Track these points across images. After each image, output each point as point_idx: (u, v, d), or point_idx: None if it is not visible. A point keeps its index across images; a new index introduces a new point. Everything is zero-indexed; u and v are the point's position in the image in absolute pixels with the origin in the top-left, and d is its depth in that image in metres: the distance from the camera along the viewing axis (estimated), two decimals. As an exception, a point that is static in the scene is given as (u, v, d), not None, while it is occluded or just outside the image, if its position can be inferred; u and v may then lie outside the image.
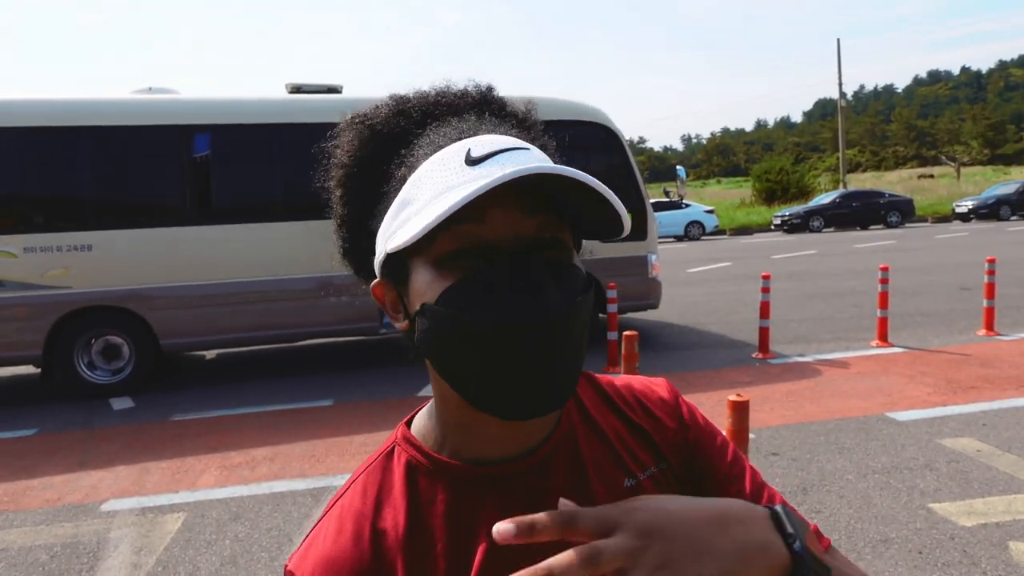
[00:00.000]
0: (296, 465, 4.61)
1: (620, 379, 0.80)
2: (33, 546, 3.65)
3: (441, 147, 0.63)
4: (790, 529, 0.52)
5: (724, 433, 2.74)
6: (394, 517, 0.67)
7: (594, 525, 0.49)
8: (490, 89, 0.72)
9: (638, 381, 0.80)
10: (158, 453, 4.97)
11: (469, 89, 0.71)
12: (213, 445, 5.09)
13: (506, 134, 0.65)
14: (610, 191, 0.57)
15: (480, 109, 0.69)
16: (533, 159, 0.61)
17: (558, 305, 0.58)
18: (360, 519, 0.67)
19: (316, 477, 4.39)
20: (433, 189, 0.60)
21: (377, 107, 0.69)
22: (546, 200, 0.60)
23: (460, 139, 0.63)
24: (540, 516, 0.48)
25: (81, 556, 3.52)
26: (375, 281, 0.68)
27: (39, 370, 6.89)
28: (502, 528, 0.47)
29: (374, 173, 0.67)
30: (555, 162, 0.70)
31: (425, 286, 0.61)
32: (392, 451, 0.72)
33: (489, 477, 0.67)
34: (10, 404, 6.67)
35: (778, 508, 0.54)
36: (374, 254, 0.68)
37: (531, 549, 0.63)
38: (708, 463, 0.75)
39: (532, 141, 0.68)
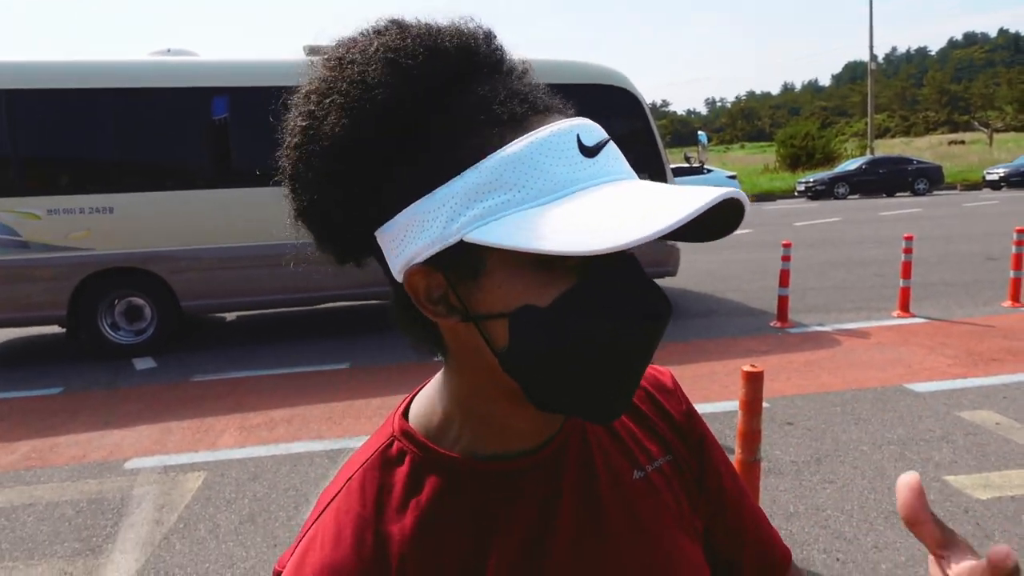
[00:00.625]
0: (314, 427, 4.69)
1: None
2: (60, 501, 3.77)
3: (521, 122, 0.54)
4: None
5: (737, 403, 2.73)
6: (399, 520, 0.61)
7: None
8: (493, 36, 0.61)
9: None
10: (179, 413, 5.07)
11: (481, 35, 0.59)
12: (232, 406, 5.18)
13: (558, 105, 0.59)
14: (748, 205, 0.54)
15: (497, 62, 0.60)
16: (619, 151, 0.58)
17: (668, 307, 0.57)
18: (360, 523, 0.61)
19: (333, 439, 4.46)
20: (549, 179, 0.52)
21: (395, 39, 0.56)
22: None
23: (535, 112, 0.55)
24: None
25: (106, 512, 3.62)
26: (413, 267, 0.56)
27: (64, 330, 7.02)
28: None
29: (408, 129, 0.55)
30: None
31: (524, 288, 0.53)
32: (390, 446, 0.65)
33: (500, 473, 0.63)
34: (37, 363, 6.82)
35: None
36: (363, 223, 0.59)
37: (547, 546, 0.63)
38: (710, 459, 0.75)
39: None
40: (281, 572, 0.62)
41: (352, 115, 0.54)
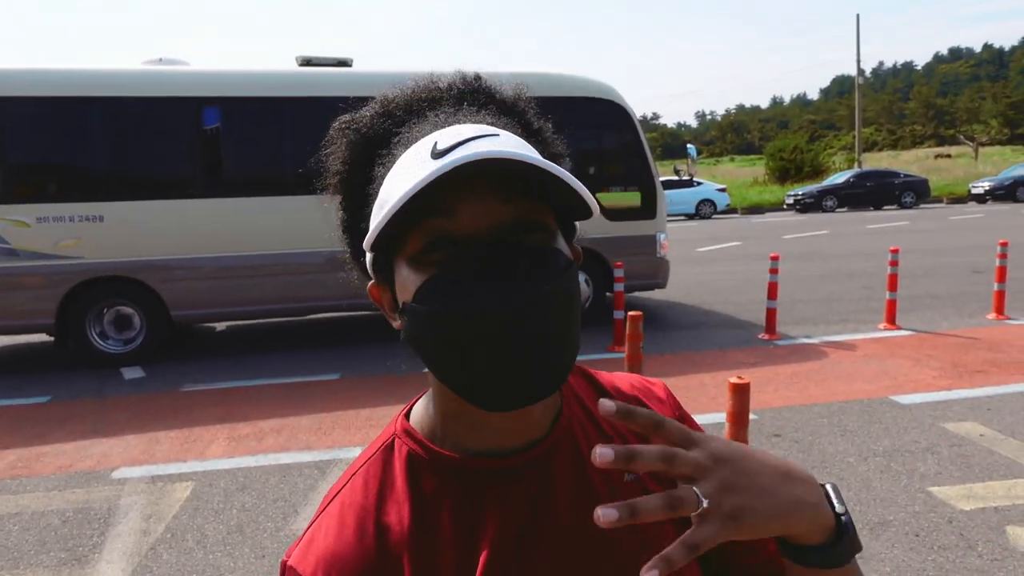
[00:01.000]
0: (303, 437, 4.68)
1: (618, 376, 0.81)
2: (46, 511, 3.74)
3: (413, 143, 0.63)
4: (839, 504, 0.59)
5: (725, 414, 2.75)
6: (398, 512, 0.66)
7: (677, 435, 0.53)
8: (477, 78, 0.70)
9: (636, 379, 0.81)
10: (168, 423, 5.05)
11: (455, 81, 0.69)
12: (221, 416, 5.16)
13: (483, 121, 0.64)
14: (564, 172, 0.56)
15: (463, 99, 0.68)
16: (502, 144, 0.59)
17: (526, 291, 0.57)
18: (363, 514, 0.66)
19: (323, 450, 4.46)
20: (401, 186, 0.58)
21: (364, 110, 0.70)
22: (525, 185, 0.58)
23: (433, 131, 0.62)
24: (639, 447, 0.51)
25: (92, 522, 3.61)
26: (370, 283, 0.68)
27: (52, 339, 6.98)
28: (601, 452, 0.50)
29: (362, 176, 0.67)
30: (546, 142, 0.70)
31: (404, 285, 0.61)
32: (392, 444, 0.70)
33: (491, 470, 0.66)
34: (25, 371, 6.78)
35: (829, 486, 0.60)
36: (362, 254, 0.69)
37: (537, 542, 0.65)
38: None
39: (517, 125, 0.67)
40: (288, 561, 0.66)
41: (336, 177, 0.70)
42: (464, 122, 0.63)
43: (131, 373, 6.50)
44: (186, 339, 7.87)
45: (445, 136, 0.60)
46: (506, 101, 0.70)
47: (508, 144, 0.60)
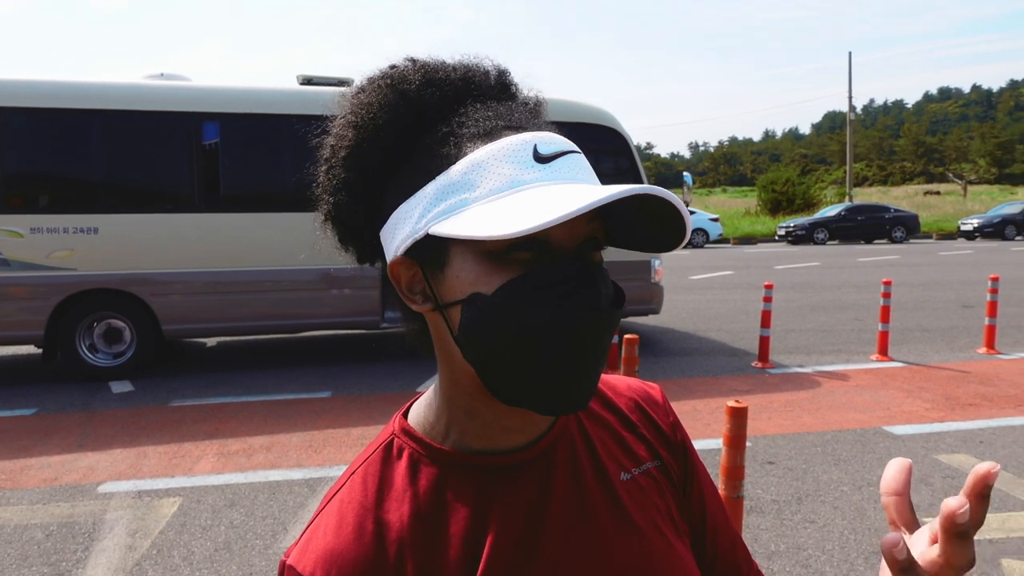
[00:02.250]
0: (293, 455, 4.63)
1: (616, 378, 0.81)
2: (29, 524, 3.67)
3: (493, 134, 0.61)
4: None
5: (722, 438, 2.75)
6: (398, 510, 0.65)
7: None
8: (507, 72, 0.70)
9: (634, 381, 0.81)
10: (156, 437, 4.99)
11: (490, 70, 0.69)
12: (211, 432, 5.10)
13: (547, 129, 0.64)
14: (685, 208, 0.59)
15: (502, 93, 0.68)
16: (586, 164, 0.63)
17: (611, 304, 0.60)
18: (362, 512, 0.65)
19: (313, 468, 4.41)
20: (501, 179, 0.58)
21: (403, 71, 0.65)
22: (601, 207, 0.60)
23: (509, 128, 0.62)
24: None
25: (77, 536, 3.54)
26: (395, 258, 0.64)
27: (40, 351, 6.90)
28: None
29: (400, 143, 0.64)
30: None
31: (477, 276, 0.59)
32: (391, 443, 0.70)
33: (492, 468, 0.66)
34: (11, 384, 6.69)
35: None
36: (371, 225, 0.66)
37: (539, 539, 0.65)
38: (693, 470, 0.78)
39: (552, 130, 0.68)
40: (287, 560, 0.65)
41: (358, 131, 0.65)
42: (531, 124, 0.64)
43: (120, 387, 6.43)
44: (174, 356, 7.80)
45: (543, 142, 0.61)
46: (529, 101, 0.70)
47: (587, 163, 0.64)
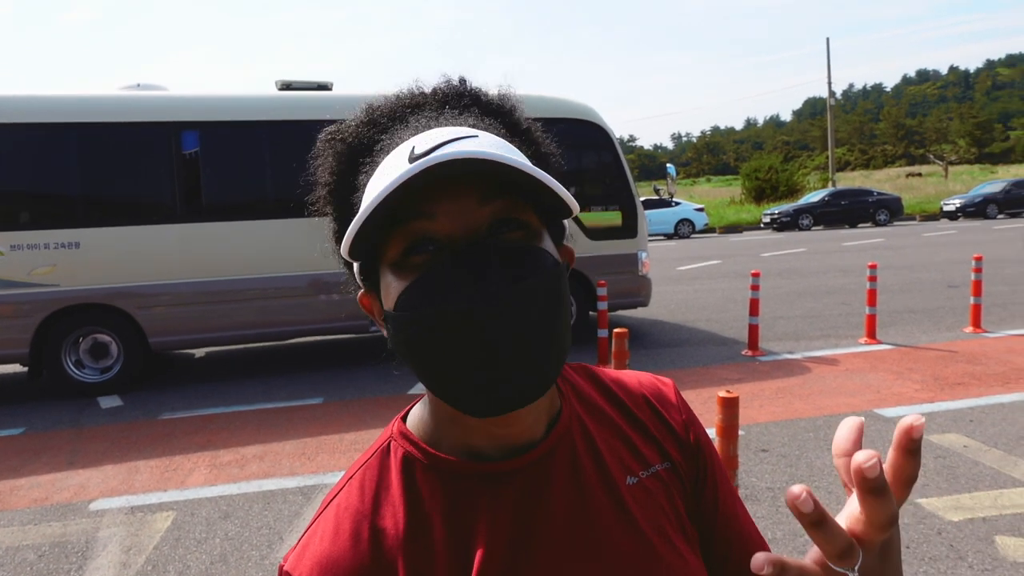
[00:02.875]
0: (286, 463, 4.60)
1: (627, 374, 0.79)
2: (21, 545, 3.63)
3: (394, 148, 0.62)
4: None
5: (715, 428, 2.75)
6: (393, 515, 0.65)
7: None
8: (462, 82, 0.70)
9: (646, 377, 0.79)
10: (147, 452, 4.94)
11: (439, 85, 0.69)
12: (202, 443, 5.06)
13: (464, 123, 0.63)
14: (535, 168, 0.56)
15: (447, 103, 0.68)
16: (479, 145, 0.59)
17: (501, 289, 0.55)
18: (358, 517, 0.65)
19: (307, 475, 4.38)
20: (376, 192, 0.57)
21: (349, 119, 0.69)
22: (503, 185, 0.58)
23: (412, 137, 0.62)
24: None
25: (70, 555, 3.50)
26: (360, 292, 0.68)
27: (26, 369, 6.83)
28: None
29: (348, 186, 0.66)
30: (534, 140, 0.70)
31: (388, 292, 0.61)
32: (388, 447, 0.70)
33: (488, 474, 0.65)
34: (-3, 403, 6.61)
35: None
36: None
37: (533, 545, 0.64)
38: (708, 469, 0.75)
39: (501, 125, 0.67)
40: (284, 566, 0.65)
41: (325, 189, 0.68)
42: (445, 125, 0.63)
43: (108, 402, 6.37)
44: (162, 369, 7.74)
45: (423, 140, 0.60)
46: (491, 102, 0.69)
47: (485, 145, 0.59)
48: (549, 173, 0.70)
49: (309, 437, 5.08)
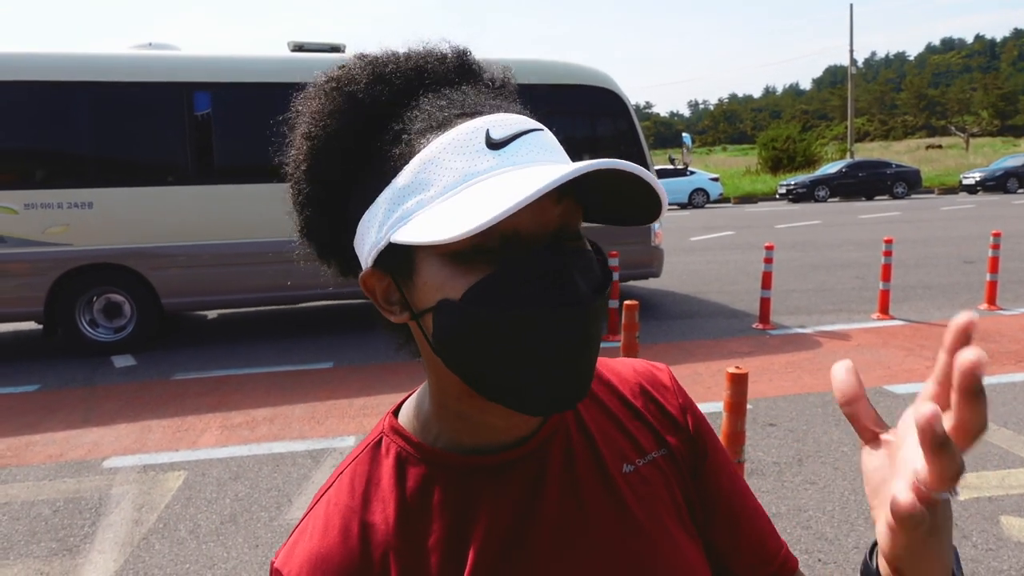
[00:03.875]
0: (296, 426, 4.65)
1: (621, 362, 0.78)
2: (36, 500, 3.71)
3: (445, 125, 0.58)
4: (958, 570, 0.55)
5: (721, 404, 2.74)
6: (383, 511, 0.64)
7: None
8: (467, 53, 0.66)
9: (640, 364, 0.78)
10: (159, 412, 5.01)
11: (447, 53, 0.65)
12: (214, 405, 5.13)
13: (510, 109, 0.61)
14: (658, 182, 0.55)
15: (461, 76, 0.64)
16: (549, 141, 0.59)
17: (588, 296, 0.56)
18: (348, 514, 0.65)
19: (316, 439, 4.43)
20: (453, 175, 0.55)
21: (350, 70, 0.62)
22: (570, 185, 0.55)
23: (464, 115, 0.58)
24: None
25: (84, 512, 3.57)
26: (365, 271, 0.62)
27: (41, 327, 6.91)
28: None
29: (355, 149, 0.61)
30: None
31: (443, 281, 0.56)
32: (379, 442, 0.69)
33: (482, 467, 0.65)
34: (13, 360, 6.71)
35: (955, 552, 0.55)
36: (343, 237, 0.64)
37: (528, 539, 0.63)
38: (707, 452, 0.74)
39: (526, 111, 0.64)
40: (275, 563, 0.65)
41: (312, 142, 0.62)
42: (488, 106, 0.60)
43: (122, 361, 6.44)
44: (173, 329, 7.81)
45: (496, 125, 0.57)
46: (495, 81, 0.67)
47: (551, 141, 0.59)
48: None
49: (319, 401, 5.13)
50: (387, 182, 0.58)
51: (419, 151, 0.57)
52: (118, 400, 5.32)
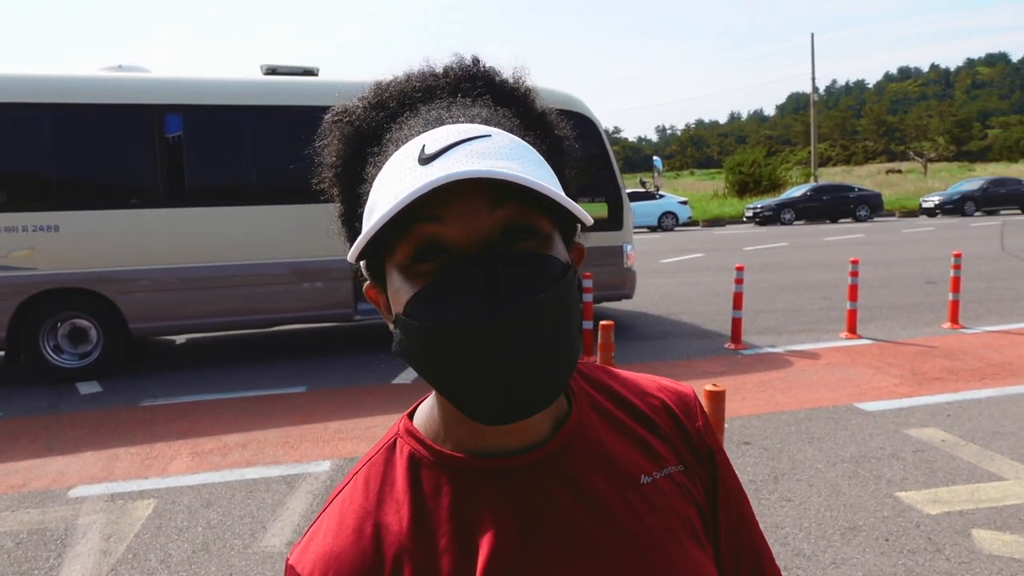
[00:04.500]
0: (269, 452, 4.57)
1: (647, 377, 0.79)
2: (-2, 533, 3.58)
3: (404, 142, 0.61)
4: None
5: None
6: (397, 512, 0.65)
7: None
8: (475, 62, 0.68)
9: (667, 382, 0.79)
10: (127, 439, 4.89)
11: (452, 66, 0.68)
12: (184, 431, 5.02)
13: (477, 115, 0.62)
14: (546, 187, 0.54)
15: (459, 88, 0.66)
16: (492, 148, 0.57)
17: (515, 304, 0.54)
18: (362, 514, 0.66)
19: (290, 464, 4.36)
20: (388, 192, 0.57)
21: (358, 100, 0.67)
22: (517, 189, 0.55)
23: (424, 131, 0.60)
24: None
25: (48, 543, 3.46)
26: (366, 284, 0.67)
27: (2, 353, 6.72)
28: None
29: (355, 173, 0.66)
30: (548, 126, 0.70)
31: (396, 294, 0.60)
32: (394, 444, 0.70)
33: (494, 470, 0.65)
34: (-28, 388, 6.51)
35: None
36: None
37: (540, 544, 0.64)
38: (720, 474, 0.75)
39: (515, 115, 0.66)
40: (289, 560, 0.66)
41: (331, 171, 0.68)
42: (457, 117, 0.61)
43: (87, 388, 6.29)
44: (140, 355, 7.65)
45: (433, 139, 0.58)
46: (506, 86, 0.68)
47: (497, 146, 0.58)
48: (564, 161, 0.70)
49: (292, 426, 5.05)
50: (364, 202, 0.63)
51: (380, 171, 0.61)
52: (84, 427, 5.18)
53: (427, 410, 0.71)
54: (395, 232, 0.57)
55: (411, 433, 0.69)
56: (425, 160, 0.56)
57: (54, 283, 6.36)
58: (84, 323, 6.60)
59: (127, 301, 6.54)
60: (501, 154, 0.57)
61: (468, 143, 0.57)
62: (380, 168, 0.61)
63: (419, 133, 0.60)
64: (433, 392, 0.71)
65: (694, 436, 0.74)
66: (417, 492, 0.66)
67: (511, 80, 0.69)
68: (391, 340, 0.68)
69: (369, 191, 0.62)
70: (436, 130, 0.59)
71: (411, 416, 0.72)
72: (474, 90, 0.66)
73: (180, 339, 8.40)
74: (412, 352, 0.59)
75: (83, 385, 6.37)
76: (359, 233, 0.64)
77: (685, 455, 0.73)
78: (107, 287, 6.49)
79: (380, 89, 0.67)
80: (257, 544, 3.38)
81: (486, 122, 0.61)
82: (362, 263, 0.65)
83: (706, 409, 2.88)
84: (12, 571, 3.21)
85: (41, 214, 6.31)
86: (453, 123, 0.60)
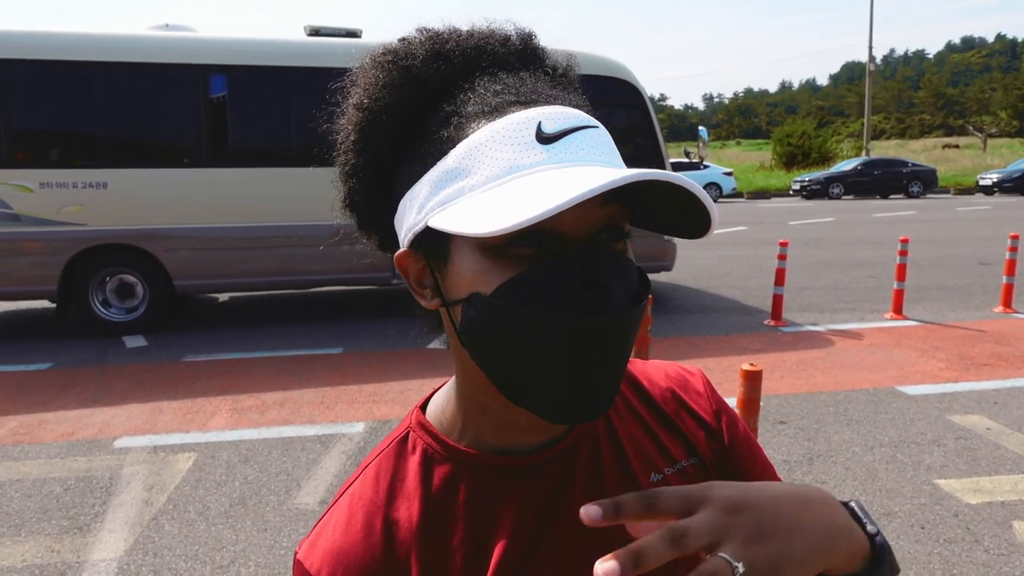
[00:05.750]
0: (306, 411, 4.66)
1: (652, 365, 0.76)
2: (48, 478, 3.73)
3: (498, 112, 0.56)
4: (870, 523, 0.53)
5: (735, 399, 2.71)
6: (408, 508, 0.64)
7: (677, 504, 0.47)
8: (532, 36, 0.64)
9: (672, 368, 0.76)
10: (170, 393, 5.04)
11: (511, 35, 0.63)
12: (224, 387, 5.14)
13: (568, 101, 0.59)
14: (710, 199, 0.53)
15: (523, 60, 0.62)
16: (602, 140, 0.57)
17: (623, 305, 0.54)
18: (372, 509, 0.64)
19: (325, 424, 4.44)
20: (498, 165, 0.53)
21: (410, 44, 0.61)
22: (619, 188, 0.52)
23: (518, 103, 0.56)
24: (624, 497, 0.47)
25: (94, 491, 3.59)
26: (401, 251, 0.61)
27: (54, 305, 6.96)
28: (589, 511, 0.46)
29: (406, 124, 0.60)
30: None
31: (475, 274, 0.55)
32: (406, 437, 0.68)
33: (508, 468, 0.64)
34: (26, 338, 6.76)
35: (854, 503, 0.55)
36: (386, 212, 0.63)
37: (552, 543, 0.62)
38: (742, 459, 0.72)
39: (584, 105, 0.63)
40: (297, 554, 0.65)
41: (364, 114, 0.61)
42: (544, 96, 0.58)
43: (133, 342, 6.48)
44: (185, 312, 7.84)
45: (549, 118, 0.55)
46: (557, 69, 0.65)
47: (606, 140, 0.57)
48: None
49: (329, 386, 5.14)
50: (432, 163, 0.57)
51: (468, 135, 0.56)
52: (129, 380, 5.35)
53: (441, 403, 0.68)
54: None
55: (424, 427, 0.67)
56: (545, 140, 0.54)
57: (102, 239, 6.53)
58: (131, 279, 6.78)
59: (171, 258, 6.69)
60: (611, 149, 0.57)
61: (585, 131, 0.56)
62: (465, 131, 0.56)
63: (512, 103, 0.56)
64: (447, 384, 0.69)
65: (709, 419, 0.72)
66: (428, 487, 0.64)
67: (564, 65, 0.66)
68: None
69: (441, 152, 0.56)
70: (548, 108, 0.56)
71: (423, 408, 0.70)
72: (536, 64, 0.63)
73: (222, 298, 8.58)
74: (489, 335, 0.55)
75: (129, 339, 6.56)
76: (385, 189, 0.62)
77: (698, 445, 0.70)
78: (152, 244, 6.63)
79: (439, 39, 0.61)
80: (291, 501, 3.47)
81: (576, 107, 0.59)
82: (412, 228, 0.58)
83: (741, 389, 2.84)
84: (60, 515, 3.35)
85: (90, 171, 6.45)
86: (555, 104, 0.57)
